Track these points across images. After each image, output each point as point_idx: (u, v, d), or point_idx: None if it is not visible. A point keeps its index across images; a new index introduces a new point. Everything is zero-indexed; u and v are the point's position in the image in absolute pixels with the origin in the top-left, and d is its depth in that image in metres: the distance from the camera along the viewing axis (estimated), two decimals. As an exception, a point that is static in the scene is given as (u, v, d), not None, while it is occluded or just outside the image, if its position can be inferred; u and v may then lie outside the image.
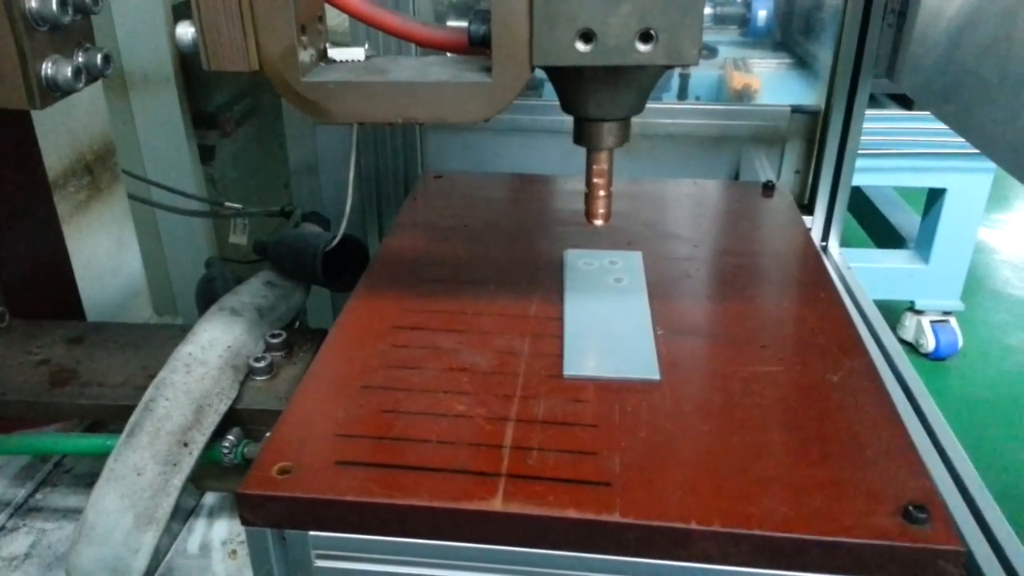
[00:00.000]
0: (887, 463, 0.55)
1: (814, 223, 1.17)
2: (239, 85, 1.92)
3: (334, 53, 0.62)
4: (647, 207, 0.97)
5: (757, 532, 0.49)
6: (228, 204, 1.29)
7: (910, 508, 0.50)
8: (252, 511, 0.54)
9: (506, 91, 0.57)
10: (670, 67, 0.62)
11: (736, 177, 1.21)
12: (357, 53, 0.62)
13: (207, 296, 0.99)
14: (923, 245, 2.39)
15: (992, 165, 2.23)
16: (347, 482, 0.53)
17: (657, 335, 0.70)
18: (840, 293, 0.79)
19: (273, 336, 0.85)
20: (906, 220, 2.60)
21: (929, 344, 2.42)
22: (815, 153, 1.17)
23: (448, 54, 0.62)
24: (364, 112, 0.58)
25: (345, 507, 0.52)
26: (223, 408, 0.77)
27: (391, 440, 0.57)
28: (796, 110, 1.18)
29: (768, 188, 1.00)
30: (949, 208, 2.29)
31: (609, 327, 0.71)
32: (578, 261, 0.83)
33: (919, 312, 2.44)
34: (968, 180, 2.27)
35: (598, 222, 0.70)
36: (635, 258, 0.83)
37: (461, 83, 0.57)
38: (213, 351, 0.79)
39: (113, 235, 1.21)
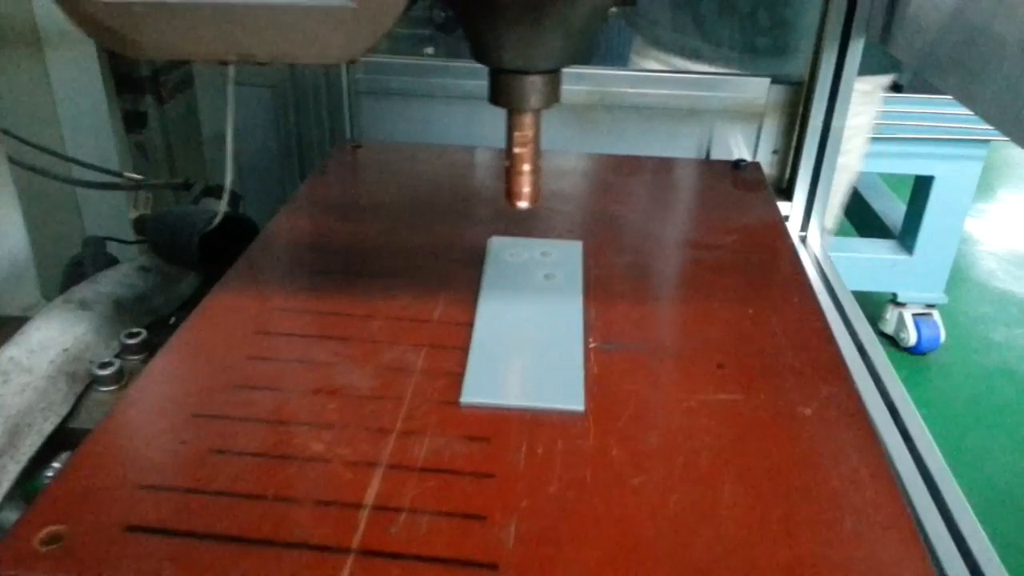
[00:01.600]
0: (875, 536, 0.41)
1: (792, 210, 1.02)
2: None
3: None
4: (596, 188, 0.82)
5: (696, 646, 0.35)
6: (128, 175, 1.12)
7: (906, 613, 0.36)
8: (4, 594, 0.39)
9: (377, 20, 0.42)
10: (615, 2, 0.48)
11: (707, 156, 1.06)
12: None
13: (73, 283, 0.83)
14: (908, 235, 2.28)
15: (982, 152, 2.13)
16: (132, 560, 0.38)
17: (588, 349, 0.55)
18: (819, 295, 0.65)
19: (129, 336, 0.69)
20: (891, 208, 2.48)
21: (911, 338, 2.31)
22: (796, 130, 1.03)
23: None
24: (182, 45, 0.42)
25: (125, 596, 0.38)
26: (48, 428, 0.61)
27: (211, 495, 0.42)
28: (776, 80, 1.03)
29: (739, 168, 0.85)
30: (936, 196, 2.18)
31: (528, 338, 0.56)
32: (503, 251, 0.68)
33: (901, 304, 2.33)
34: (957, 167, 2.15)
35: (522, 204, 0.55)
36: (573, 249, 0.68)
37: (315, 7, 0.42)
38: (43, 355, 0.63)
39: (-16, 206, 1.04)
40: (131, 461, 0.44)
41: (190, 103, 1.81)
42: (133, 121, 1.67)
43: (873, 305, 2.38)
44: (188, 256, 0.76)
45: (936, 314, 2.33)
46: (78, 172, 1.20)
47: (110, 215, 1.56)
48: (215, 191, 1.01)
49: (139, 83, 1.68)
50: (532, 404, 0.50)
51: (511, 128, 0.54)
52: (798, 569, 0.39)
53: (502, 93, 0.52)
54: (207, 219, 0.77)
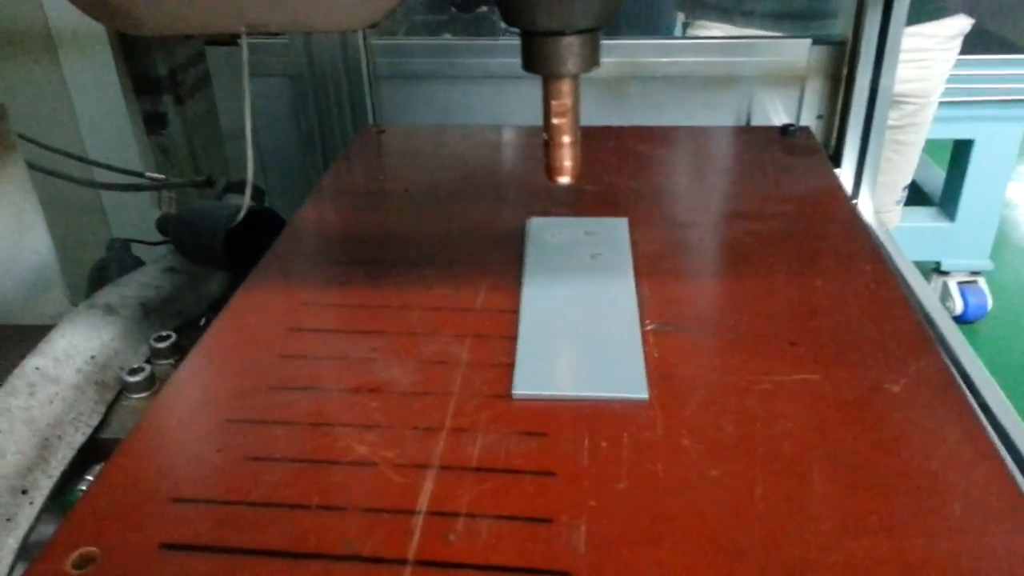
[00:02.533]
0: (989, 526, 0.36)
1: (842, 177, 0.97)
2: (194, 46, 1.73)
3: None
4: (636, 161, 0.78)
5: (799, 659, 0.31)
6: (149, 175, 1.10)
7: (1042, 613, 0.32)
8: (35, 624, 0.36)
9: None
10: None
11: (747, 125, 1.01)
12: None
13: (99, 287, 0.81)
14: (949, 202, 2.21)
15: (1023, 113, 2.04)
16: (170, 582, 0.35)
17: (646, 331, 0.51)
18: (889, 265, 0.60)
19: (159, 339, 0.66)
20: (930, 175, 2.40)
21: (957, 307, 2.24)
22: (842, 93, 0.97)
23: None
24: (188, 18, 0.39)
25: (164, 622, 0.34)
26: (80, 439, 0.58)
27: (250, 506, 0.39)
28: (818, 41, 0.97)
29: (788, 133, 0.80)
30: (977, 161, 2.11)
31: (580, 323, 0.52)
32: (544, 232, 0.64)
33: (945, 273, 2.26)
34: (998, 130, 2.08)
35: (563, 179, 0.51)
36: (619, 226, 0.64)
37: (332, -30, 0.38)
38: (70, 364, 0.61)
39: (10, 213, 1.02)
40: (163, 473, 0.41)
41: (210, 101, 1.78)
42: (153, 122, 1.65)
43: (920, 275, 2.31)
44: (212, 254, 0.73)
45: (982, 281, 2.26)
46: (101, 176, 1.18)
47: (136, 218, 1.55)
48: (239, 186, 0.98)
49: (157, 83, 1.66)
50: (591, 394, 0.46)
51: (547, 97, 0.50)
52: (901, 566, 0.35)
53: (536, 58, 0.48)
54: (230, 215, 0.73)
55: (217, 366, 0.50)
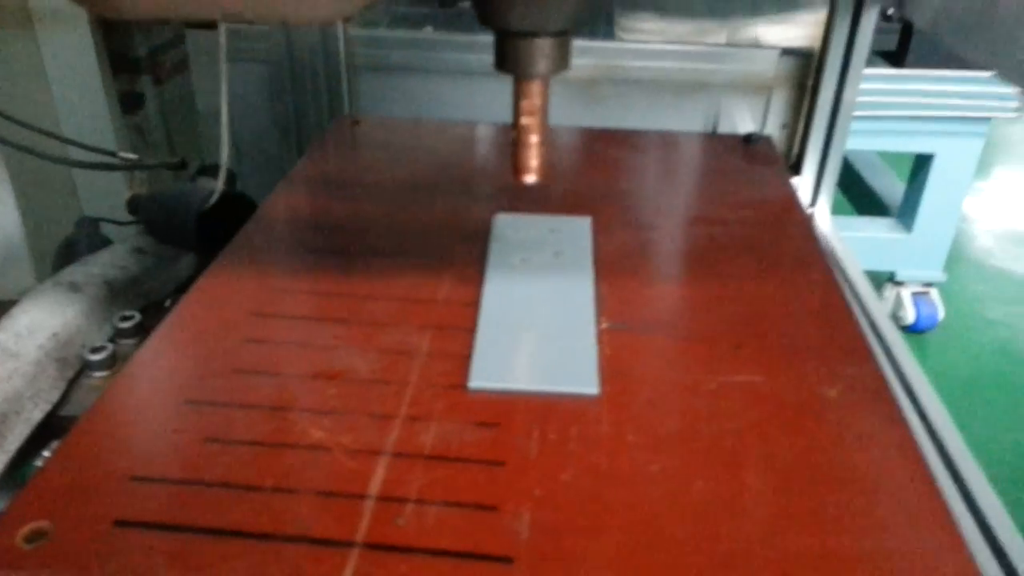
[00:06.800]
0: (909, 528, 0.39)
1: (802, 185, 1.00)
2: (174, 28, 1.72)
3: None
4: (603, 163, 0.79)
5: (723, 643, 0.33)
6: (122, 154, 1.09)
7: (947, 607, 0.34)
8: (-14, 594, 0.37)
9: (373, -22, 0.39)
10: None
11: (713, 131, 1.03)
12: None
13: (65, 265, 0.81)
14: (907, 213, 2.25)
15: (983, 129, 2.09)
16: (123, 556, 0.36)
17: (601, 330, 0.53)
18: (835, 273, 0.62)
19: (123, 319, 0.67)
20: (890, 187, 2.45)
21: (909, 317, 2.29)
22: (807, 102, 1.00)
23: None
24: (165, 4, 0.40)
25: (116, 595, 0.35)
26: (38, 415, 0.59)
27: (205, 486, 0.40)
28: (786, 52, 1.00)
29: (750, 142, 0.83)
30: (936, 175, 2.15)
31: (538, 318, 0.54)
32: (508, 228, 0.65)
33: (899, 283, 2.31)
34: (957, 145, 2.13)
35: (529, 178, 0.53)
36: (581, 225, 0.66)
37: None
38: (31, 340, 0.61)
39: (-26, 188, 1.01)
40: (120, 452, 0.42)
41: (188, 83, 1.77)
42: (130, 102, 1.63)
43: (872, 284, 2.36)
44: (185, 236, 0.73)
45: (934, 293, 2.31)
46: (74, 154, 1.17)
47: (107, 197, 1.53)
48: (212, 170, 0.98)
49: (135, 63, 1.64)
50: (544, 388, 0.47)
51: (518, 96, 0.51)
52: (829, 561, 0.37)
53: (508, 58, 0.50)
54: (203, 198, 0.74)
55: (179, 347, 0.51)
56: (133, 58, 1.63)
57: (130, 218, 0.95)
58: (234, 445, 0.42)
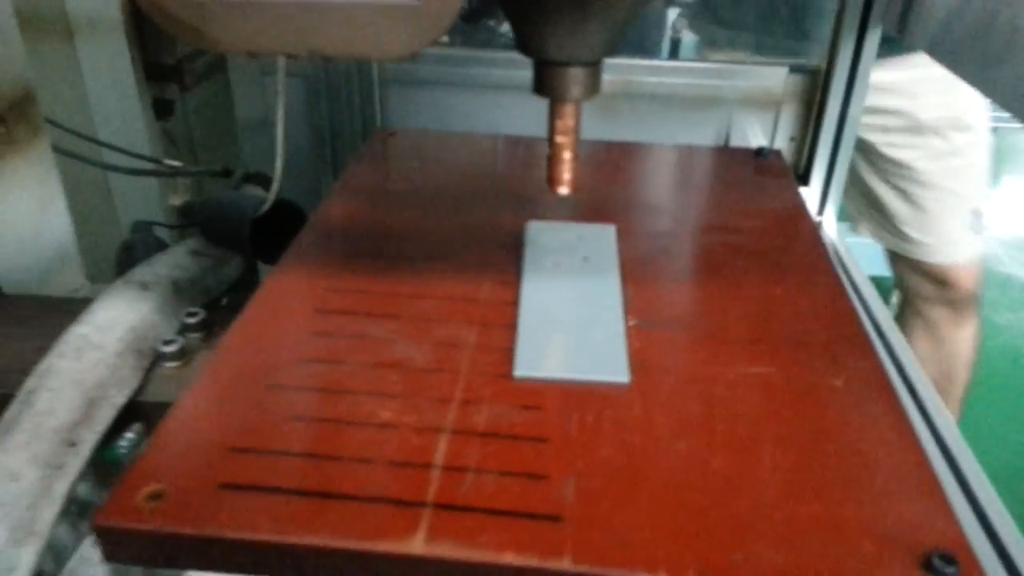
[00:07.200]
0: (904, 498, 0.45)
1: (809, 195, 1.06)
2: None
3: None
4: (625, 175, 0.86)
5: (742, 587, 0.39)
6: (167, 162, 1.16)
7: (934, 559, 0.40)
8: (113, 546, 0.43)
9: (438, 18, 0.45)
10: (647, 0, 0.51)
11: (725, 144, 1.09)
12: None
13: (125, 266, 0.87)
14: (915, 220, 2.30)
15: (988, 138, 2.15)
16: (231, 513, 0.42)
17: (629, 327, 0.59)
18: (840, 277, 0.68)
19: (189, 315, 0.73)
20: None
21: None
22: (813, 117, 1.06)
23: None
24: (256, 40, 0.46)
25: (226, 545, 0.42)
26: (120, 400, 0.65)
27: (294, 456, 0.46)
28: (794, 69, 1.06)
29: (761, 155, 0.89)
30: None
31: (572, 316, 0.60)
32: (541, 235, 0.71)
33: (909, 289, 2.36)
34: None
35: (562, 190, 0.59)
36: (607, 233, 0.72)
37: (383, 5, 0.45)
38: (111, 333, 0.67)
39: (33, 194, 1.08)
40: (218, 428, 0.48)
41: (217, 90, 1.83)
42: (160, 109, 1.70)
43: (878, 291, 2.41)
44: (239, 240, 0.80)
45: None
46: (112, 160, 1.24)
47: (141, 201, 1.60)
48: (254, 178, 1.05)
49: (166, 71, 1.71)
50: (580, 376, 0.53)
51: (553, 117, 0.58)
52: (831, 525, 0.43)
53: (545, 84, 0.56)
54: (256, 204, 0.80)
55: (255, 339, 0.57)
56: (164, 66, 1.70)
57: (169, 221, 1.01)
58: (315, 423, 0.49)
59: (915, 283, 1.59)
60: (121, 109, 1.56)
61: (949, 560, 0.40)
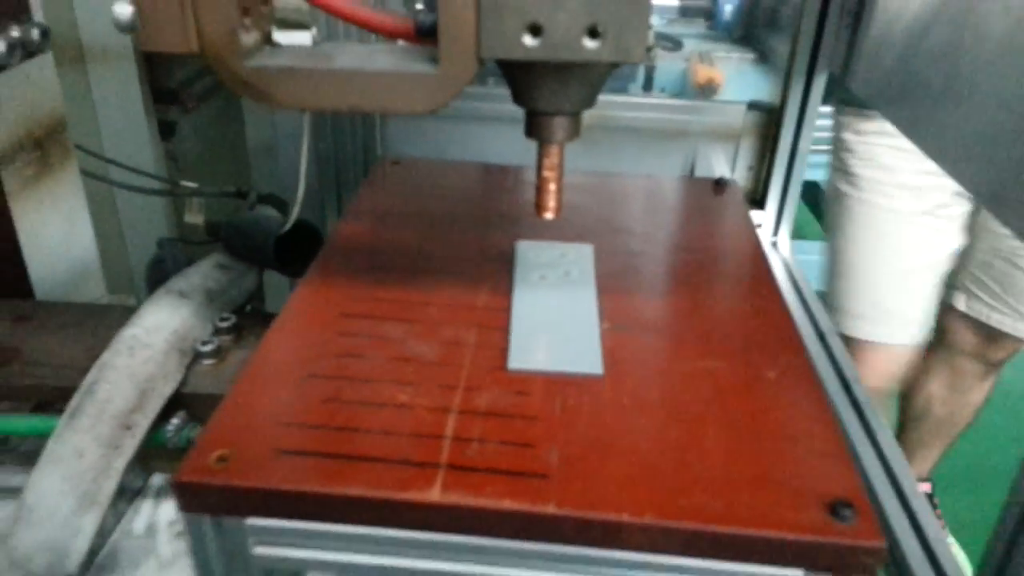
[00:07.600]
0: (818, 460, 0.57)
1: (765, 218, 1.19)
2: (201, 61, 1.88)
3: (279, 37, 0.61)
4: (601, 201, 0.98)
5: (687, 525, 0.51)
6: (184, 183, 1.27)
7: (836, 505, 0.52)
8: (188, 499, 0.54)
9: (452, 83, 0.57)
10: (617, 65, 0.62)
11: (691, 172, 1.22)
12: (303, 37, 0.62)
13: (156, 277, 0.98)
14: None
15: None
16: (285, 472, 0.53)
17: (603, 329, 0.71)
18: (783, 289, 0.80)
19: (222, 320, 0.84)
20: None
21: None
22: (769, 149, 1.19)
23: (398, 42, 0.62)
24: (308, 99, 0.57)
25: (283, 496, 0.52)
26: (168, 391, 0.76)
27: (332, 430, 0.57)
28: (752, 106, 1.19)
29: (720, 185, 1.01)
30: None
31: (555, 320, 0.72)
32: (529, 252, 0.83)
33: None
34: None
35: (548, 215, 0.71)
36: (586, 251, 0.84)
37: (406, 73, 0.57)
38: (158, 334, 0.78)
39: (63, 212, 1.18)
40: (269, 407, 0.59)
41: (216, 112, 1.94)
42: (164, 130, 1.80)
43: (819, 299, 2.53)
44: (263, 254, 0.91)
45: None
46: (129, 182, 1.34)
47: (143, 219, 1.71)
48: (267, 199, 1.15)
49: (169, 94, 1.81)
50: (563, 369, 0.65)
51: (541, 156, 0.69)
52: (759, 481, 0.55)
53: (535, 129, 0.68)
54: (277, 224, 0.92)
55: (292, 338, 0.68)
56: (167, 89, 1.80)
57: (201, 239, 1.12)
58: (347, 404, 0.60)
59: (961, 337, 1.63)
60: (130, 131, 1.67)
61: (847, 504, 0.51)
